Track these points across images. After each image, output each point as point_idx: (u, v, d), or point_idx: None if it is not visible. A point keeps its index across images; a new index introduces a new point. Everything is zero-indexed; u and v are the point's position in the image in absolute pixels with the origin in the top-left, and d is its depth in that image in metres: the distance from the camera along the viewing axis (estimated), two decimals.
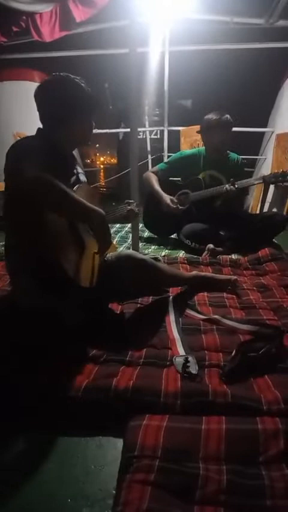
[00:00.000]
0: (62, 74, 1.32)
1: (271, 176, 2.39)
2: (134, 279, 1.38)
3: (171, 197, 2.49)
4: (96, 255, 1.32)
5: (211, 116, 2.40)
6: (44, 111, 1.33)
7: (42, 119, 1.34)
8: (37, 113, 1.34)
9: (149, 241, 2.74)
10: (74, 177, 1.41)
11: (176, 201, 2.48)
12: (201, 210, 2.49)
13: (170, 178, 2.71)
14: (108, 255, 1.46)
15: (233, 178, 2.40)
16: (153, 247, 2.57)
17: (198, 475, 0.73)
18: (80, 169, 1.48)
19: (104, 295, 1.42)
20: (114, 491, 0.73)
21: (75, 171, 1.44)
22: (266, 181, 2.41)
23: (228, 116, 2.38)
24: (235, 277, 1.74)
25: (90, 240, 1.30)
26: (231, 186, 2.32)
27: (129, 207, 1.68)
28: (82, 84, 1.32)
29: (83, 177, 1.48)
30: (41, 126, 1.36)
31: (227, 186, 2.34)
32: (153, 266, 1.43)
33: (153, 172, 2.64)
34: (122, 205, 1.71)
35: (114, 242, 2.50)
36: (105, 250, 1.27)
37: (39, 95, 1.30)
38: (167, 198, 2.47)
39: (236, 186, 2.32)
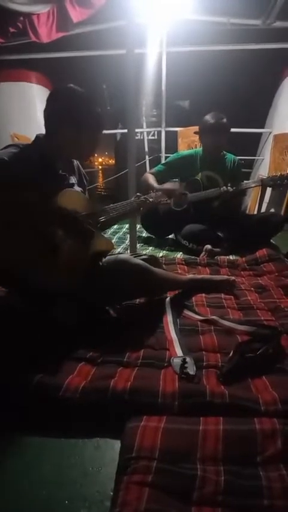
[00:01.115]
0: (73, 86, 1.33)
1: (269, 179, 2.41)
2: (130, 284, 1.38)
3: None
4: (85, 255, 1.32)
5: (208, 119, 2.40)
6: (47, 119, 1.34)
7: (44, 125, 1.36)
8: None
9: (146, 242, 2.74)
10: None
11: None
12: (199, 211, 2.50)
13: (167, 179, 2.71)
14: (104, 259, 1.46)
15: (229, 179, 2.40)
16: (151, 248, 2.58)
17: (196, 476, 0.73)
18: (73, 180, 1.48)
19: (101, 299, 1.42)
20: (111, 493, 0.73)
21: (66, 182, 1.43)
22: (264, 184, 2.42)
23: (225, 118, 2.38)
24: (233, 277, 1.74)
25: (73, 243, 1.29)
26: (229, 188, 2.33)
27: (139, 199, 1.65)
28: (89, 101, 1.33)
29: (78, 189, 1.48)
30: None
31: (224, 187, 2.35)
32: (148, 271, 1.42)
33: (151, 173, 2.64)
34: (133, 198, 1.67)
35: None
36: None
37: (46, 103, 1.33)
38: (165, 185, 2.42)
39: (234, 189, 2.33)
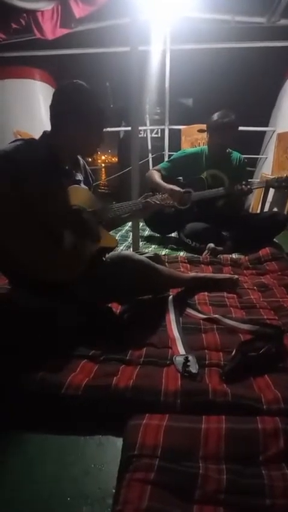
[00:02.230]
0: (79, 82, 1.33)
1: (274, 181, 2.39)
2: (132, 280, 1.37)
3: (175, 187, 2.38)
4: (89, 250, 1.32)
5: (219, 117, 2.36)
6: (53, 114, 1.34)
7: (50, 121, 1.36)
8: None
9: (149, 240, 2.73)
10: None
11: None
12: (202, 209, 2.49)
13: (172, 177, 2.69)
14: (107, 255, 1.46)
15: (234, 178, 2.39)
16: (153, 246, 2.57)
17: (197, 474, 0.73)
18: (80, 177, 1.48)
19: (103, 296, 1.42)
20: (113, 490, 0.73)
21: (72, 178, 1.43)
22: (269, 186, 2.42)
23: (233, 116, 2.35)
24: (236, 276, 1.74)
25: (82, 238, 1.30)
26: (246, 186, 2.32)
27: (144, 200, 1.64)
28: (95, 97, 1.33)
29: (85, 187, 1.48)
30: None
31: (239, 186, 2.33)
32: (151, 267, 1.42)
33: (156, 170, 2.62)
34: (140, 198, 1.67)
35: None
36: None
37: (52, 98, 1.33)
38: (170, 185, 2.38)
39: (248, 187, 2.32)
